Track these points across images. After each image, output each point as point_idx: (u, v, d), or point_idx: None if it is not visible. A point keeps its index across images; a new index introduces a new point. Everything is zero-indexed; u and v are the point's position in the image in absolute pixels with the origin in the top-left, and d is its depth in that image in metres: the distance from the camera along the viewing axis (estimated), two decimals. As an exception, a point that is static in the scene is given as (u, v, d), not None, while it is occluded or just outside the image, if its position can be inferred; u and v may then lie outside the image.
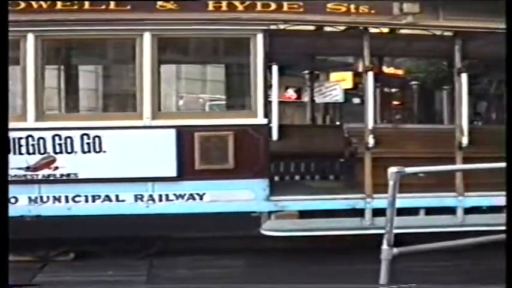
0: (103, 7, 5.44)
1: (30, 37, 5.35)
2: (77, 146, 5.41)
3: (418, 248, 3.26)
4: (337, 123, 13.63)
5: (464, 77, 5.98)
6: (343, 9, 5.68)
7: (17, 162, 5.27)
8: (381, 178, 5.58)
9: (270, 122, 5.79)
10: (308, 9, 5.65)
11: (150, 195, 5.53)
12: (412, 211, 5.74)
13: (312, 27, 6.46)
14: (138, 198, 5.52)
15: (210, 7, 5.54)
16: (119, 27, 5.49)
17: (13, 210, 4.68)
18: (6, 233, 2.84)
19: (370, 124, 5.82)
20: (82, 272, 5.43)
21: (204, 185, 5.56)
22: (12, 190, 4.57)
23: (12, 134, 5.15)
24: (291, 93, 18.10)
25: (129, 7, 5.45)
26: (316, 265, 5.42)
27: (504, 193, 5.64)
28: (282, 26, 5.88)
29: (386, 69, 14.23)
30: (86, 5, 5.42)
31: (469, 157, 5.70)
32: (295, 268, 5.39)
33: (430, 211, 5.85)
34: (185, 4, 5.52)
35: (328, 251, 5.96)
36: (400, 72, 17.04)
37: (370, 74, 5.85)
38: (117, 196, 5.49)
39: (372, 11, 5.71)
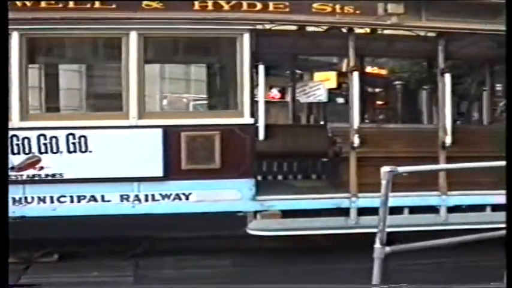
0: (88, 6, 5.39)
1: (15, 35, 5.28)
2: (63, 145, 5.36)
3: (411, 247, 3.29)
4: (321, 123, 13.65)
5: (447, 77, 6.05)
6: (329, 9, 5.71)
7: (0, 163, 5.22)
8: (366, 177, 5.69)
9: (256, 121, 5.80)
10: (293, 9, 5.67)
11: (136, 195, 5.51)
12: (396, 210, 5.80)
13: (295, 27, 6.48)
14: (124, 198, 5.49)
15: (196, 6, 5.52)
16: (104, 26, 5.46)
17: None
18: (6, 233, 2.82)
19: (356, 124, 5.86)
20: (67, 274, 5.39)
21: (190, 184, 5.55)
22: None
23: (-5, 134, 5.10)
24: (275, 93, 18.11)
25: (114, 6, 5.41)
26: (302, 264, 5.45)
27: (487, 192, 5.82)
28: (268, 26, 5.90)
29: (370, 69, 14.36)
30: (71, 3, 5.37)
31: (452, 156, 5.78)
32: (282, 267, 5.42)
33: (413, 210, 5.91)
34: (171, 3, 5.50)
35: (313, 251, 6.00)
36: (383, 72, 17.14)
37: (356, 74, 5.87)
38: (102, 196, 5.46)
39: (357, 12, 5.75)
